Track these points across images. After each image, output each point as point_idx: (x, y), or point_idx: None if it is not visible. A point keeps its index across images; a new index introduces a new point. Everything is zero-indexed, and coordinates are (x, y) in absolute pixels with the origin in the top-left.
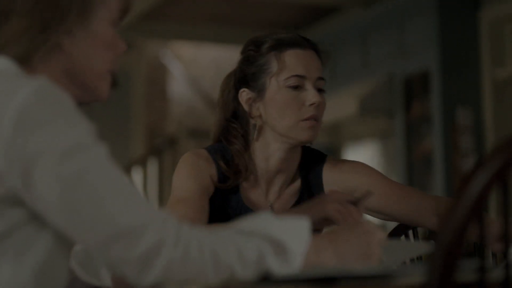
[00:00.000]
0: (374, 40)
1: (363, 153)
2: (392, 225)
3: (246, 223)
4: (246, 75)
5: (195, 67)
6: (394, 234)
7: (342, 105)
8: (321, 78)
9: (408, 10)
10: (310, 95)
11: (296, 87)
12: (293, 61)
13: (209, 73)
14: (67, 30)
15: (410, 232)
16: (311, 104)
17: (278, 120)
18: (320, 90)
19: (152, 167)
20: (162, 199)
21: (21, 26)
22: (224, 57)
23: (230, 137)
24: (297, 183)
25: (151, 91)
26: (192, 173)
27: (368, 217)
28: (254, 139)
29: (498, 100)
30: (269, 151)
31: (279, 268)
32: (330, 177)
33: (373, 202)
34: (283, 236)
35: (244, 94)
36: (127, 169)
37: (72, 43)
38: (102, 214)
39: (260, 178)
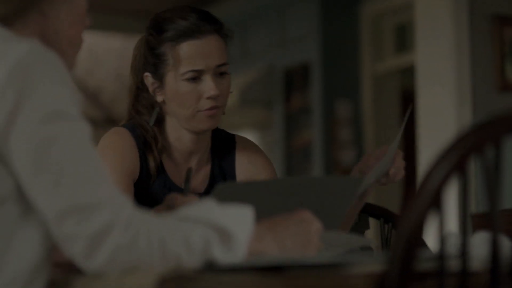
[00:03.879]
0: (254, 31)
1: None
2: None
3: (191, 210)
4: (148, 61)
5: None
6: None
7: None
8: (223, 64)
9: (290, 1)
10: (207, 87)
11: (194, 79)
12: (189, 54)
13: (81, 59)
14: None
15: None
16: (209, 97)
17: (178, 110)
18: (223, 74)
19: None
20: None
21: None
22: (97, 44)
23: (140, 106)
24: (209, 166)
25: None
26: (117, 162)
27: None
28: (164, 120)
29: (377, 93)
30: (179, 133)
31: (223, 256)
32: (242, 167)
33: None
34: (228, 223)
35: (149, 79)
36: None
37: (51, 7)
38: (63, 183)
39: (178, 157)
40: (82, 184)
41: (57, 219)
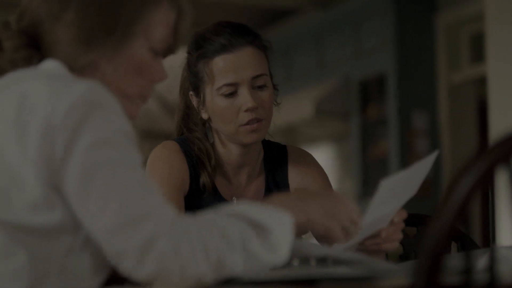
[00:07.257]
0: (330, 42)
1: (318, 156)
2: None
3: (227, 208)
4: (189, 80)
5: None
6: None
7: (297, 107)
8: (259, 76)
9: (365, 12)
10: (244, 100)
11: (230, 94)
12: (222, 69)
13: None
14: (106, 48)
15: None
16: (246, 110)
17: (221, 126)
18: (261, 87)
19: None
20: None
21: (69, 34)
22: (176, 59)
23: (191, 124)
24: (261, 179)
25: None
26: (166, 176)
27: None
28: (212, 136)
29: (453, 103)
30: (227, 147)
31: (263, 250)
32: (295, 178)
33: None
34: (265, 219)
35: (193, 98)
36: None
37: (107, 62)
38: (110, 204)
39: (228, 171)
40: (128, 201)
41: (107, 238)
